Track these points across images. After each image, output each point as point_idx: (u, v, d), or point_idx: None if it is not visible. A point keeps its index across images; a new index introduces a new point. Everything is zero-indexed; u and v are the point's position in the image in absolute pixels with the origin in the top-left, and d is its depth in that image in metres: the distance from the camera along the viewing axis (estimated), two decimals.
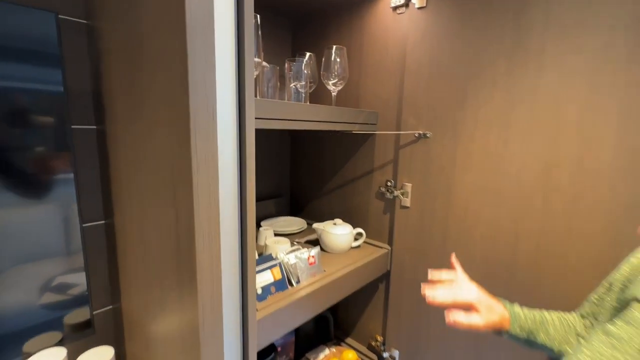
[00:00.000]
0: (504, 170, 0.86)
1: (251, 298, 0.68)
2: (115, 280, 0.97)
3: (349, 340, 1.33)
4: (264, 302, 0.77)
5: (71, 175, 0.82)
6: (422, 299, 0.98)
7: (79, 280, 0.87)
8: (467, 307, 0.64)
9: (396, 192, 1.07)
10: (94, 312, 0.90)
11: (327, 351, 1.21)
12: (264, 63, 1.02)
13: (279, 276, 0.84)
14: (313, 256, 0.93)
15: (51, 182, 0.79)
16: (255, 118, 0.67)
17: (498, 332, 0.64)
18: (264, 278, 0.81)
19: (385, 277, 1.17)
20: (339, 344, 1.29)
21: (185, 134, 0.52)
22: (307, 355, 1.19)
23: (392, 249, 1.13)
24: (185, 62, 0.49)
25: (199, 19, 0.50)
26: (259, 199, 1.37)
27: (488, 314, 0.62)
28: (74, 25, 0.81)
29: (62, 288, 0.84)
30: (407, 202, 1.06)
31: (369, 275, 1.07)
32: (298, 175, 1.46)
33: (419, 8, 0.96)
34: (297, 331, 1.20)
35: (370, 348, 1.26)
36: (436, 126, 0.97)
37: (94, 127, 0.88)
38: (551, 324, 0.63)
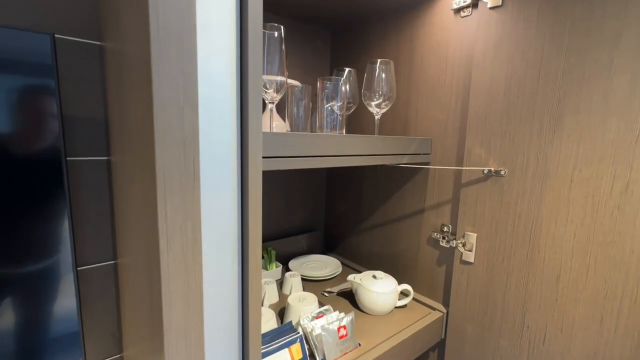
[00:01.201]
0: (625, 225, 0.60)
1: None
2: (117, 329, 0.85)
3: None
4: None
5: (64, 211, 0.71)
6: None
7: (72, 329, 0.75)
8: None
9: (455, 242, 0.83)
10: None
11: None
12: (293, 82, 0.86)
13: (299, 356, 0.65)
14: (345, 327, 0.72)
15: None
16: (265, 157, 0.50)
17: None
18: (279, 359, 0.63)
19: (439, 346, 0.92)
20: None
21: (152, 193, 0.36)
22: None
23: (448, 312, 0.89)
24: (149, 93, 0.33)
25: (172, 28, 0.34)
26: (289, 234, 1.20)
27: None
28: (77, 46, 0.71)
29: (54, 336, 0.73)
30: (470, 256, 0.82)
31: (419, 347, 0.83)
32: (334, 207, 1.27)
33: (493, 8, 0.74)
34: None
35: None
36: (515, 162, 0.73)
37: (100, 158, 0.77)
38: None
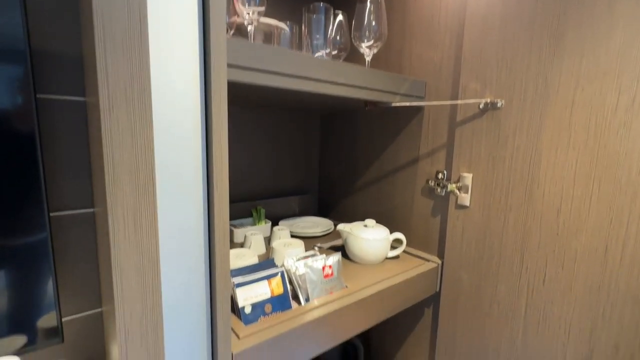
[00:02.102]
0: (631, 143, 0.55)
1: (222, 318, 0.45)
2: (94, 282, 0.81)
3: None
4: (254, 326, 0.55)
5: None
6: (483, 339, 0.70)
7: (44, 280, 0.71)
8: None
9: (450, 186, 0.79)
10: (63, 319, 0.75)
11: None
12: (280, 24, 0.81)
13: (279, 290, 0.61)
14: (330, 266, 0.68)
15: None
16: (232, 66, 0.47)
17: None
18: (257, 292, 0.59)
19: (434, 299, 0.88)
20: None
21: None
22: None
23: (443, 263, 0.84)
24: None
25: None
26: (279, 194, 1.17)
27: None
28: None
29: (25, 287, 0.69)
30: (465, 199, 0.77)
31: (410, 297, 0.79)
32: (328, 169, 1.23)
33: None
34: (318, 359, 0.95)
35: None
36: (512, 91, 0.68)
37: (76, 98, 0.74)
38: None
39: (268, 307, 0.58)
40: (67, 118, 0.72)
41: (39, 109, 0.63)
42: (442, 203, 0.84)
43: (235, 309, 0.57)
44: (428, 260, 0.86)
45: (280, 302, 0.60)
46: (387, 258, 0.85)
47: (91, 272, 0.79)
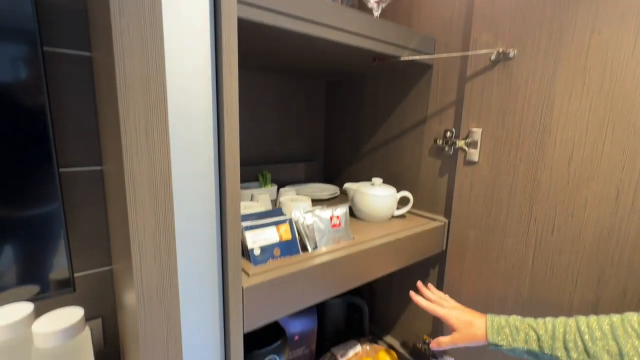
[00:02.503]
0: None
1: (233, 253, 0.46)
2: (104, 241, 0.82)
3: (388, 338, 1.06)
4: (262, 266, 0.55)
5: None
6: (489, 293, 0.70)
7: (56, 235, 0.72)
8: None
9: (459, 143, 0.78)
10: (75, 275, 0.76)
11: (358, 348, 0.95)
12: None
13: (287, 236, 0.61)
14: (338, 216, 0.68)
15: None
16: (240, 2, 0.46)
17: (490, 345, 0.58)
18: (265, 236, 0.59)
19: (439, 259, 0.88)
20: (375, 342, 1.03)
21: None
22: (333, 350, 0.95)
23: (449, 222, 0.84)
24: None
25: None
26: (285, 160, 1.16)
27: (465, 330, 0.61)
28: None
29: (38, 241, 0.70)
30: (474, 154, 0.76)
31: (416, 253, 0.79)
32: (334, 135, 1.22)
33: None
34: (322, 320, 0.97)
35: (415, 351, 0.99)
36: (525, 40, 0.66)
37: (82, 53, 0.73)
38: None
39: (277, 251, 0.59)
40: (72, 72, 0.71)
41: (46, 62, 0.63)
42: (449, 162, 0.84)
43: (244, 252, 0.57)
44: (435, 220, 0.86)
45: (288, 248, 0.60)
46: (393, 217, 0.85)
47: (100, 231, 0.79)
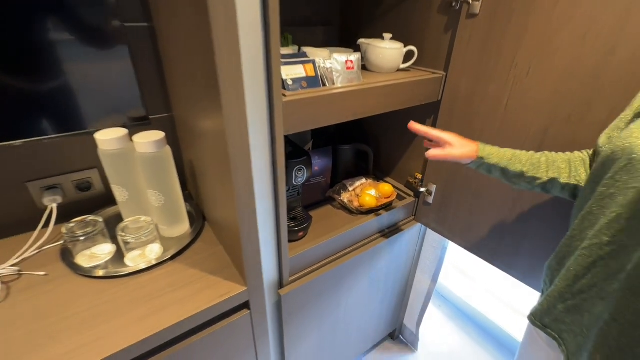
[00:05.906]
0: None
1: (276, 81, 0.63)
2: (165, 92, 1.00)
3: (388, 179, 1.33)
4: (294, 93, 0.74)
5: None
6: (470, 132, 0.87)
7: (131, 82, 0.92)
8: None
9: None
10: (150, 117, 0.98)
11: (364, 180, 1.23)
12: None
13: (312, 73, 0.78)
14: (352, 61, 0.83)
15: None
16: None
17: (475, 163, 0.74)
18: (295, 71, 0.76)
19: (434, 109, 1.06)
20: (377, 180, 1.31)
21: None
22: (344, 181, 1.22)
23: (446, 75, 0.98)
24: None
25: None
26: (303, 24, 1.24)
27: (460, 145, 0.74)
28: None
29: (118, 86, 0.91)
30: (476, 6, 0.85)
31: (415, 98, 0.96)
32: None
33: None
34: (336, 160, 1.22)
35: (408, 185, 1.26)
36: None
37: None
38: (540, 158, 0.71)
39: (304, 83, 0.76)
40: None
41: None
42: (454, 17, 0.92)
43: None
44: (434, 73, 1.00)
45: (312, 82, 0.78)
46: (399, 70, 0.99)
47: (157, 79, 0.97)
